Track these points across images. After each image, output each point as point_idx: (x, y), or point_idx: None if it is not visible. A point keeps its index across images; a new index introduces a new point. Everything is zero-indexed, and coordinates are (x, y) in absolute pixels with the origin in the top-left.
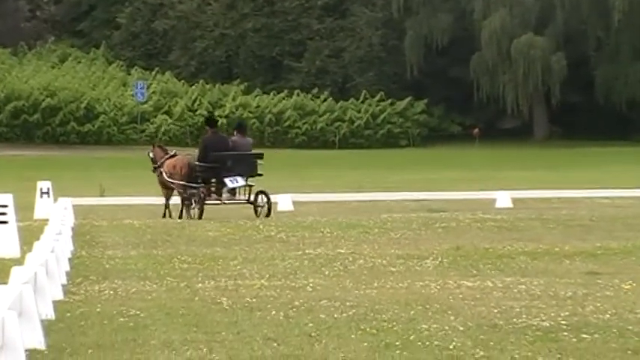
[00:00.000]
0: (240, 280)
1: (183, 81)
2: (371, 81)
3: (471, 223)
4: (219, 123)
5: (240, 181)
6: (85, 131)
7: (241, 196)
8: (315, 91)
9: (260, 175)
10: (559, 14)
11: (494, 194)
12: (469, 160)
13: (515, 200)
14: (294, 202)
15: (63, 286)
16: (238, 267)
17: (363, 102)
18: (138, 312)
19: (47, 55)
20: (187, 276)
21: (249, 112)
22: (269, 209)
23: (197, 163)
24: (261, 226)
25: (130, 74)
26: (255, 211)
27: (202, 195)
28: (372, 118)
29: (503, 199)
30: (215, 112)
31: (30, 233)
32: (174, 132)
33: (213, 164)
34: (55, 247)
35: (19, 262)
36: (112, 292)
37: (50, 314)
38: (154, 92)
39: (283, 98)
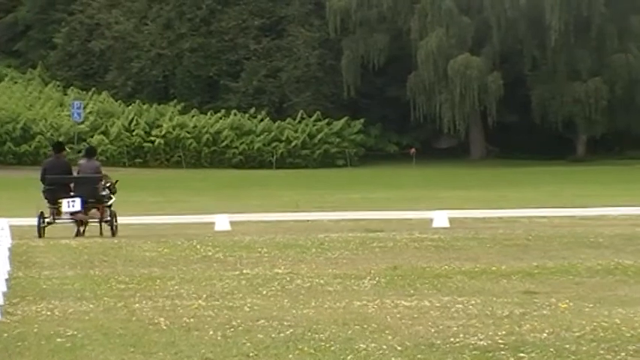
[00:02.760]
0: (177, 300)
1: (120, 101)
2: (308, 101)
3: (408, 243)
4: (66, 148)
5: (77, 205)
6: (22, 152)
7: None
8: (252, 111)
9: (105, 197)
10: (495, 34)
11: (431, 214)
12: (406, 179)
13: (452, 220)
14: (232, 222)
15: (0, 306)
16: (176, 287)
17: (300, 122)
18: (75, 332)
19: None
20: (125, 296)
21: (187, 132)
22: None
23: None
24: (198, 246)
25: (66, 94)
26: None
27: (43, 215)
28: (309, 138)
29: (440, 218)
30: (152, 132)
31: None
32: (111, 152)
33: (49, 186)
34: None
35: None
36: (49, 313)
37: None
38: (90, 112)
39: (220, 118)
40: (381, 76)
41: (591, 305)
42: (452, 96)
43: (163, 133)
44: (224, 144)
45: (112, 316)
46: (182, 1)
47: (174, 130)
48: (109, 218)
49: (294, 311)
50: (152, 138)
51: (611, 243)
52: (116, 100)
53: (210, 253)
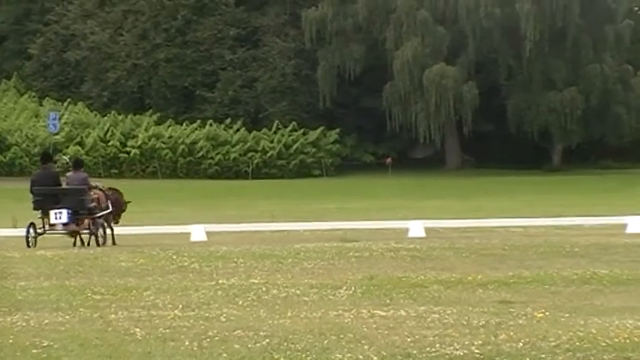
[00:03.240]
0: (153, 310)
1: (95, 112)
2: (284, 111)
3: (384, 253)
4: (52, 159)
5: (64, 216)
6: None
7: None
8: (227, 121)
9: (92, 208)
10: (470, 44)
11: (407, 223)
12: (382, 189)
13: (428, 229)
14: (208, 233)
15: None
16: (152, 297)
17: (275, 132)
18: (51, 343)
19: None
20: (100, 307)
21: (162, 142)
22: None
23: None
24: (174, 257)
25: (42, 105)
26: (88, 241)
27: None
28: (285, 148)
29: (416, 228)
30: (128, 143)
31: None
32: (86, 163)
33: (37, 197)
34: None
35: None
36: (24, 324)
37: None
38: (66, 123)
39: (196, 128)
40: (357, 86)
41: (567, 315)
42: (427, 106)
43: (139, 143)
44: (200, 154)
45: (88, 326)
46: (157, 12)
47: (149, 140)
48: (99, 229)
49: (270, 321)
50: (128, 148)
51: (586, 252)
52: (92, 111)
53: (186, 264)
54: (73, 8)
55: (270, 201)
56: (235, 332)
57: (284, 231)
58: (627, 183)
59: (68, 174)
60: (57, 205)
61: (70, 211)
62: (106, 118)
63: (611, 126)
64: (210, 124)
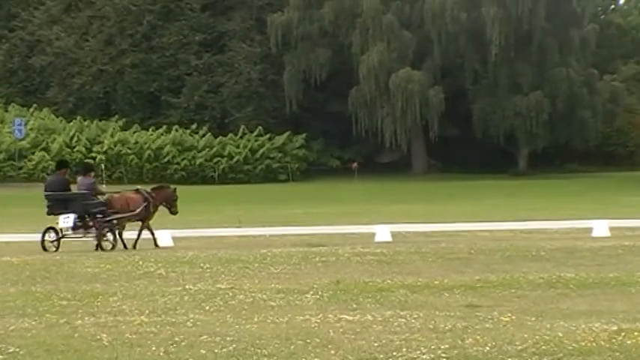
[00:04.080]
0: (120, 316)
1: (61, 117)
2: (250, 116)
3: (350, 257)
4: (69, 164)
5: (71, 220)
6: None
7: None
8: (193, 126)
9: (98, 212)
10: (436, 48)
11: (373, 228)
12: (348, 194)
13: (394, 234)
14: (174, 238)
15: None
16: (118, 303)
17: (242, 137)
18: (17, 349)
19: None
20: (67, 312)
21: (128, 148)
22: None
23: None
24: (140, 262)
25: (7, 111)
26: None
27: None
28: (251, 153)
29: (383, 232)
30: (93, 149)
31: None
32: (52, 169)
33: (49, 202)
34: None
35: None
36: None
37: None
38: (31, 129)
39: (162, 134)
40: (323, 91)
41: (533, 318)
42: (393, 110)
43: (105, 149)
44: (166, 160)
45: (54, 332)
46: (123, 17)
47: (115, 146)
48: (107, 234)
49: (237, 326)
50: (93, 154)
51: (552, 256)
52: (57, 117)
53: (152, 269)
54: (39, 14)
55: (236, 206)
56: (202, 337)
57: (250, 236)
58: (593, 187)
59: (78, 178)
60: (66, 210)
61: (76, 216)
62: (71, 123)
63: (576, 130)
64: (176, 130)
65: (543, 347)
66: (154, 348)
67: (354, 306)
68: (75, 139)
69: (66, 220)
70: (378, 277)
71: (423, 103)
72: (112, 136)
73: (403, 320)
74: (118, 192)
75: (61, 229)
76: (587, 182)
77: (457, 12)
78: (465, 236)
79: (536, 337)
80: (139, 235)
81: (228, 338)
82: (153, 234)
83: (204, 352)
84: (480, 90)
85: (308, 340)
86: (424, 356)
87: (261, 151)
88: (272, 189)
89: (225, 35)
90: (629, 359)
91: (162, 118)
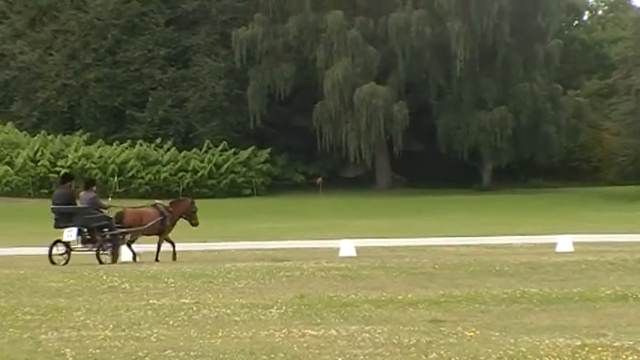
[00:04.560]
0: (84, 330)
1: (25, 131)
2: (214, 130)
3: (315, 272)
4: (73, 177)
5: (74, 234)
6: None
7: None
8: (158, 140)
9: (100, 226)
10: (401, 63)
11: (337, 243)
12: (313, 209)
13: (358, 249)
14: (138, 253)
15: None
16: (82, 318)
17: (206, 151)
18: None
19: None
20: (30, 327)
21: (92, 162)
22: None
23: None
24: (104, 277)
25: None
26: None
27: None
28: (216, 168)
29: (347, 247)
30: (58, 163)
31: None
32: (16, 183)
33: (55, 216)
34: None
35: None
36: None
37: None
38: None
39: (126, 148)
40: (288, 106)
41: (497, 333)
42: (358, 125)
43: (69, 163)
44: (130, 174)
45: (18, 347)
46: (87, 32)
47: (79, 160)
48: (108, 248)
49: (201, 341)
50: (58, 168)
51: (516, 271)
52: (21, 131)
53: (116, 284)
54: (3, 28)
55: (200, 221)
56: (166, 352)
57: (215, 251)
58: (557, 202)
59: (81, 194)
60: (70, 223)
61: (78, 229)
62: (35, 138)
63: (541, 145)
64: (141, 144)
65: None
66: None
67: (319, 321)
68: (39, 153)
69: (69, 234)
70: (342, 292)
71: (388, 118)
72: (76, 150)
73: (367, 335)
74: (136, 207)
75: (68, 243)
76: (551, 197)
77: (422, 27)
78: (429, 251)
79: (500, 352)
80: (158, 248)
81: (192, 353)
82: (174, 246)
83: None
84: (444, 105)
85: (272, 355)
86: None
87: (225, 166)
88: (236, 204)
89: (190, 50)
90: None
91: (126, 132)
